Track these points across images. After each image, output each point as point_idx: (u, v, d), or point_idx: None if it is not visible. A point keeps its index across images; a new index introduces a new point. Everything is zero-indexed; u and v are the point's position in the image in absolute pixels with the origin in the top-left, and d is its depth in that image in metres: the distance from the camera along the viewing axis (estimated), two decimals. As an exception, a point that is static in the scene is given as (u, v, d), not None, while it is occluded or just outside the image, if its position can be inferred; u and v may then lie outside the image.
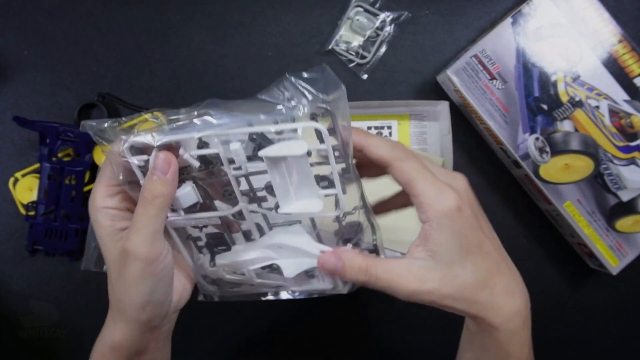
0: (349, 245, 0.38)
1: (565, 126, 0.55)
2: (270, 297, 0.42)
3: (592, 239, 0.57)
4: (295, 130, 0.34)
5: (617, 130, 0.56)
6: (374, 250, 0.39)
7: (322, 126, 0.33)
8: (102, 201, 0.37)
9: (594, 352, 0.63)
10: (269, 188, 0.36)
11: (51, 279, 0.61)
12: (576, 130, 0.55)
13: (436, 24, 0.60)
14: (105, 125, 0.36)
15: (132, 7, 0.60)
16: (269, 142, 0.34)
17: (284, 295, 0.42)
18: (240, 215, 0.38)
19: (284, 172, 0.35)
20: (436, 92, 0.60)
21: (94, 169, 0.58)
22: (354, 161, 0.36)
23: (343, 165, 0.35)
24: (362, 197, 0.37)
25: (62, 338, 0.61)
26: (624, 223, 0.57)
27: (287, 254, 0.38)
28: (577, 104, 0.55)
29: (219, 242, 0.40)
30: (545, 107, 0.55)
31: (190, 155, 0.35)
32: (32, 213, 0.58)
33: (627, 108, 0.55)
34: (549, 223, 0.61)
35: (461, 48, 0.60)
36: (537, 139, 0.55)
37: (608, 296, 0.62)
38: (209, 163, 0.36)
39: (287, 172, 0.35)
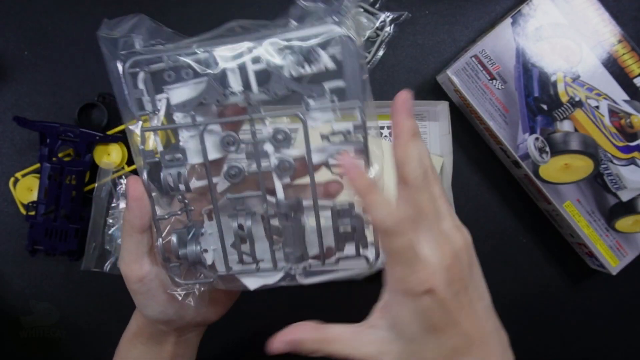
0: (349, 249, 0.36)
1: (565, 126, 0.55)
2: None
3: (592, 239, 0.57)
4: (319, 42, 0.33)
5: (617, 130, 0.56)
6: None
7: (345, 30, 0.32)
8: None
9: (594, 352, 0.63)
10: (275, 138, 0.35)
11: (51, 279, 0.61)
12: (576, 130, 0.55)
13: (436, 24, 0.60)
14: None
15: (132, 7, 0.60)
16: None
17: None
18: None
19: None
20: (436, 92, 0.60)
21: (94, 169, 0.58)
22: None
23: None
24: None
25: (62, 338, 0.61)
26: (624, 223, 0.57)
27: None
28: (576, 104, 0.55)
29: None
30: (545, 107, 0.55)
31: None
32: (32, 213, 0.58)
33: (627, 108, 0.55)
34: (549, 223, 0.61)
35: (461, 48, 0.60)
36: (537, 139, 0.55)
37: (608, 296, 0.62)
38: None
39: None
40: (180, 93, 0.35)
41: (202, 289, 0.38)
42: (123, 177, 0.59)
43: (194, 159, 0.35)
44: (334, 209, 0.36)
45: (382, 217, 0.30)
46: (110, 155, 0.58)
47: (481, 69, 0.55)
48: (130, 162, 0.59)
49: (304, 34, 0.33)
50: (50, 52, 0.60)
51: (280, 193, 0.36)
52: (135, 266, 0.36)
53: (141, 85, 0.34)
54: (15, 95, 0.60)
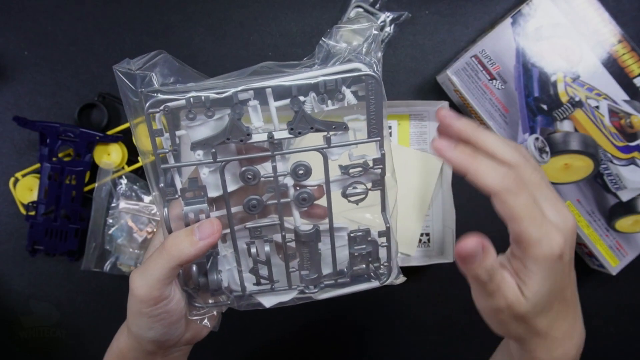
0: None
1: (565, 126, 0.55)
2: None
3: (592, 239, 0.57)
4: (341, 79, 0.33)
5: (617, 130, 0.56)
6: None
7: (369, 69, 0.33)
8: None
9: (594, 352, 0.63)
10: (296, 173, 0.36)
11: (51, 279, 0.61)
12: (576, 130, 0.55)
13: (436, 24, 0.60)
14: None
15: (132, 7, 0.60)
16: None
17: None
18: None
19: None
20: (436, 92, 0.60)
21: (94, 169, 0.58)
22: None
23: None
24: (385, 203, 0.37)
25: (62, 338, 0.61)
26: (624, 223, 0.57)
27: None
28: (577, 104, 0.55)
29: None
30: (545, 107, 0.55)
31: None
32: (32, 213, 0.58)
33: (626, 108, 0.55)
34: (548, 223, 0.61)
35: (461, 48, 0.60)
36: (537, 139, 0.55)
37: (608, 296, 0.62)
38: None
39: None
40: (201, 131, 0.35)
41: (223, 310, 0.40)
42: (123, 177, 0.59)
43: (214, 192, 0.36)
44: (350, 236, 0.37)
45: (497, 180, 0.32)
46: (110, 155, 0.58)
47: (481, 69, 0.55)
48: (130, 162, 0.59)
49: (329, 71, 0.34)
50: (50, 52, 0.60)
51: (299, 222, 0.37)
52: (156, 292, 0.36)
53: (159, 125, 0.35)
54: (15, 95, 0.60)
